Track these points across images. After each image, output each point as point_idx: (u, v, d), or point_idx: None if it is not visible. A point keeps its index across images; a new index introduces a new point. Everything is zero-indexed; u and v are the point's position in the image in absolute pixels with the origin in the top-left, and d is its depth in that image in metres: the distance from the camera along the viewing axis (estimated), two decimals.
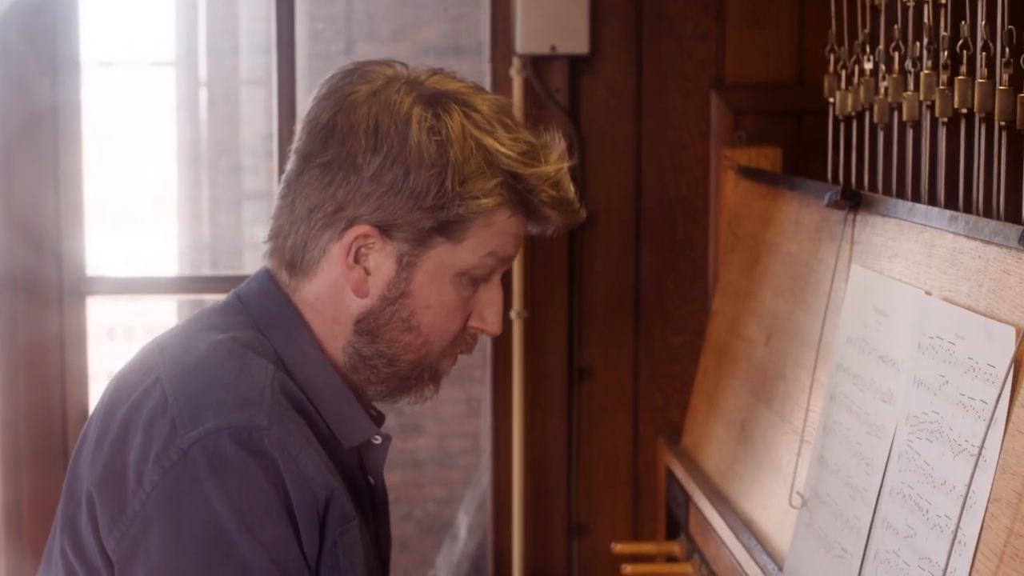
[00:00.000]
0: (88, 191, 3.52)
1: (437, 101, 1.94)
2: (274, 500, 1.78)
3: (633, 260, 3.47)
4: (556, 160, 1.98)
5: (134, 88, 8.36)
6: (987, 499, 1.72)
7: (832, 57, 2.62)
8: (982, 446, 1.73)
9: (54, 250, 3.44)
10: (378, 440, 2.03)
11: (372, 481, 2.06)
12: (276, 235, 2.01)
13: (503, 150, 1.93)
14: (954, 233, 1.96)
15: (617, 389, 3.50)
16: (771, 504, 2.49)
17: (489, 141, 1.93)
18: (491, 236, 1.95)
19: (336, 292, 1.97)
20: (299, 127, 2.01)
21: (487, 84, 3.47)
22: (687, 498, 2.92)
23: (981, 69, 2.02)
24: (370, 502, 2.06)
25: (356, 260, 1.94)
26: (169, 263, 8.60)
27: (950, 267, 1.96)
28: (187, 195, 8.46)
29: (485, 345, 3.56)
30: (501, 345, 3.49)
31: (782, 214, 2.76)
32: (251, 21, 7.41)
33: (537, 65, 3.41)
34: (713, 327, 3.11)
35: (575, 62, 3.42)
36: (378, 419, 2.12)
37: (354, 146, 1.92)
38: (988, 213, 2.01)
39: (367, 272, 1.95)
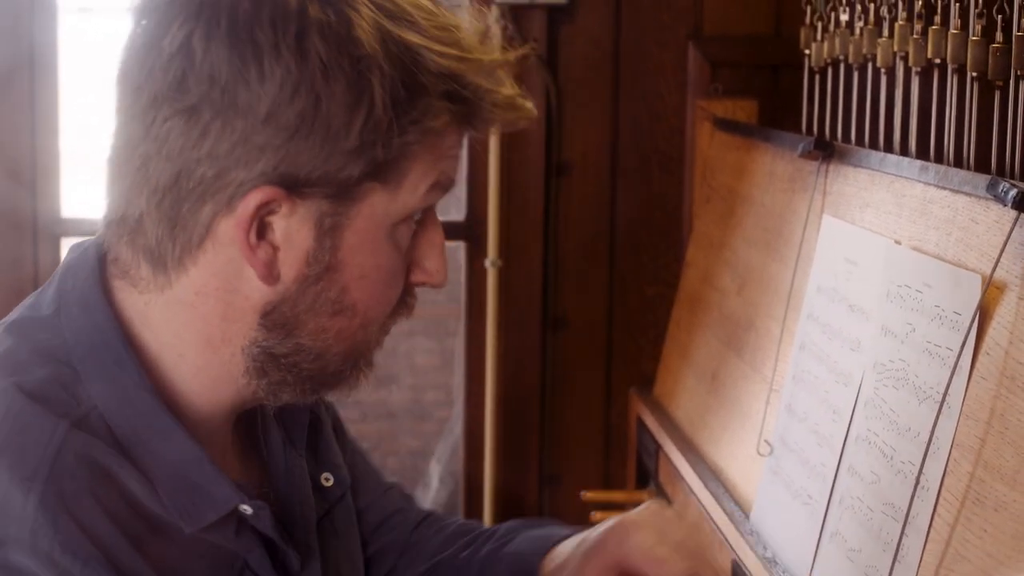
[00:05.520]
0: (66, 139, 3.52)
1: None
2: None
3: (608, 210, 3.47)
4: (487, 44, 1.45)
5: (112, 35, 8.34)
6: (950, 445, 1.73)
7: (808, 8, 2.62)
8: (946, 393, 1.75)
9: (29, 191, 3.44)
10: (248, 511, 1.47)
11: (278, 541, 1.53)
12: (125, 216, 1.45)
13: (435, 47, 1.39)
14: (924, 183, 1.97)
15: (591, 339, 3.52)
16: (740, 453, 2.50)
17: (413, 37, 1.38)
18: (434, 164, 1.43)
19: (227, 282, 1.43)
20: (125, 55, 1.44)
21: None
22: (657, 447, 2.93)
23: (954, 20, 2.03)
24: (296, 553, 1.56)
25: (260, 236, 1.40)
26: None
27: (919, 216, 1.97)
28: None
29: (460, 295, 3.57)
30: (476, 294, 3.49)
31: (756, 165, 2.76)
32: None
33: (516, 14, 3.40)
34: (686, 278, 3.12)
35: (553, 11, 3.41)
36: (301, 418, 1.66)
37: (231, 78, 1.35)
38: (959, 163, 2.02)
39: (275, 248, 1.41)
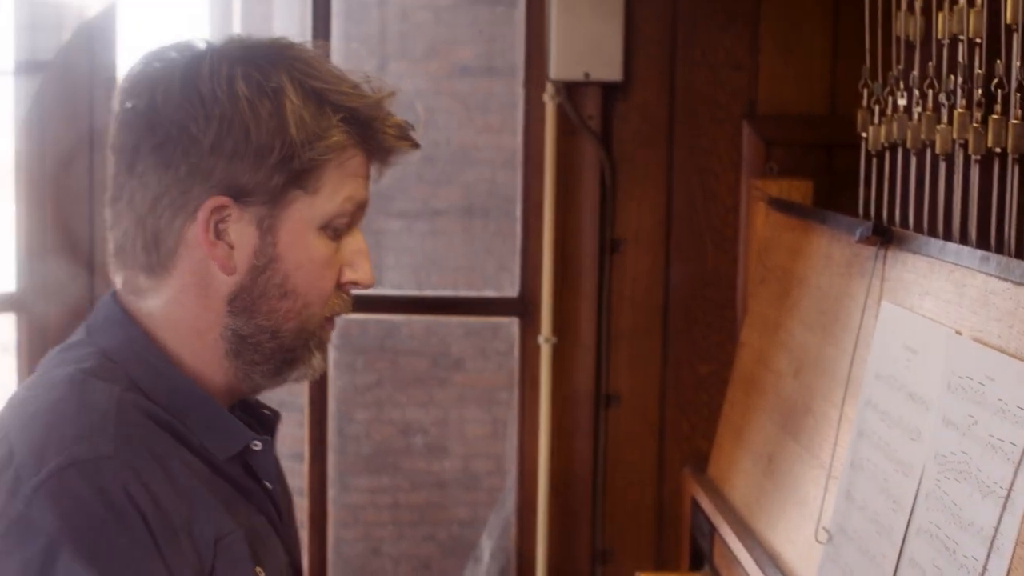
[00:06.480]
0: None
1: (256, 58, 1.83)
2: (140, 541, 1.67)
3: (662, 288, 3.47)
4: (380, 90, 1.89)
5: None
6: (1014, 541, 1.72)
7: (866, 92, 2.62)
8: (1011, 488, 1.73)
9: (86, 263, 3.46)
10: (258, 446, 1.90)
11: (269, 486, 1.94)
12: (122, 245, 1.86)
13: (334, 89, 1.84)
14: (986, 273, 1.96)
15: (643, 416, 3.51)
16: (797, 538, 2.48)
17: (319, 84, 1.83)
18: (344, 179, 1.86)
19: (201, 278, 1.84)
20: (112, 126, 1.88)
21: (520, 108, 3.50)
22: (712, 529, 2.92)
23: (1015, 109, 2.02)
24: (273, 507, 1.95)
25: (217, 236, 1.82)
26: None
27: (981, 307, 1.96)
28: None
29: (510, 367, 3.57)
30: (528, 369, 3.50)
31: (812, 247, 2.76)
32: None
33: (571, 91, 3.43)
34: (741, 358, 3.11)
35: (608, 89, 3.43)
36: (271, 419, 2.05)
37: (183, 120, 1.79)
38: (1020, 254, 2.01)
39: (231, 247, 1.83)
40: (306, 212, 1.84)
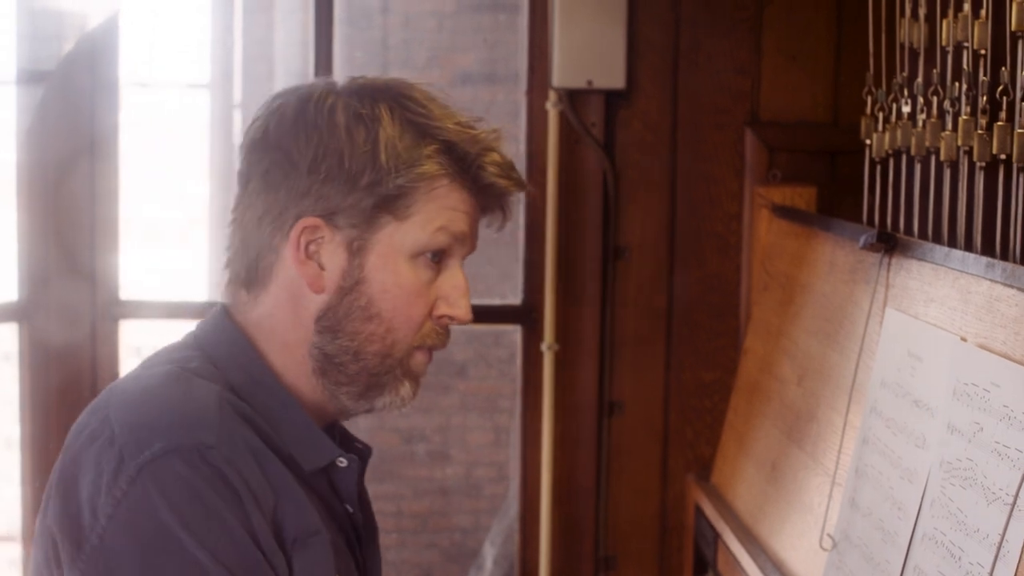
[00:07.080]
0: (123, 212, 3.55)
1: (363, 92, 1.92)
2: (234, 523, 1.74)
3: (665, 295, 3.47)
4: (488, 131, 1.94)
5: (169, 108, 8.41)
6: (1021, 548, 1.71)
7: (869, 99, 2.62)
8: (1017, 495, 1.73)
9: (88, 273, 3.46)
10: (344, 463, 1.96)
11: (350, 509, 1.99)
12: (233, 259, 1.97)
13: (434, 123, 1.90)
14: (991, 280, 1.96)
15: (647, 423, 3.50)
16: (801, 545, 2.48)
17: (419, 118, 1.90)
18: (438, 210, 1.91)
19: (293, 295, 1.92)
20: (240, 154, 1.99)
21: (522, 116, 3.49)
22: (716, 536, 2.91)
23: (1020, 117, 2.02)
24: (353, 532, 2.00)
25: (308, 256, 1.90)
26: (199, 283, 8.65)
27: (986, 314, 1.95)
28: (219, 217, 8.49)
29: (512, 375, 3.56)
30: (531, 377, 3.49)
31: (816, 254, 2.76)
32: (286, 47, 7.46)
33: (573, 99, 3.42)
34: (745, 365, 3.11)
35: (611, 96, 3.43)
36: (364, 453, 2.07)
37: (288, 145, 1.90)
38: None
39: (321, 267, 1.90)
40: (396, 238, 1.89)
